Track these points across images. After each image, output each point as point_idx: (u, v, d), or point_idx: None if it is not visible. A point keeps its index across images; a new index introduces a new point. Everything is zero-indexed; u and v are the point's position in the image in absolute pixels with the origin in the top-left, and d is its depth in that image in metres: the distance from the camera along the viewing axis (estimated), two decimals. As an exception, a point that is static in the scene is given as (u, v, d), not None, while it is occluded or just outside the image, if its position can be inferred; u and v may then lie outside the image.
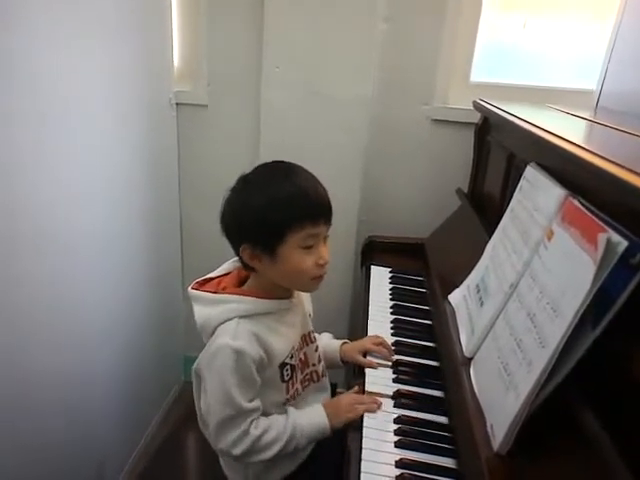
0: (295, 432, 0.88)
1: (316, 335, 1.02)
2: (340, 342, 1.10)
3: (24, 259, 1.03)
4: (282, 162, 0.91)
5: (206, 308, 0.88)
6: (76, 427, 1.27)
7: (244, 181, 0.89)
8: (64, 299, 1.18)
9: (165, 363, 1.84)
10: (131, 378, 1.55)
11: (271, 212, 0.83)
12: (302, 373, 0.96)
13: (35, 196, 1.04)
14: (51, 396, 1.16)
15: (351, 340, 1.11)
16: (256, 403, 0.86)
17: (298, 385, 0.94)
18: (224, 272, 0.97)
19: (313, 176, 0.89)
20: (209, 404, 0.85)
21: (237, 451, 0.85)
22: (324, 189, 0.88)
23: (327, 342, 1.10)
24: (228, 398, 0.83)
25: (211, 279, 0.95)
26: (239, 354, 0.82)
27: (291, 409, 0.92)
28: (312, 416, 0.91)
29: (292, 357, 0.91)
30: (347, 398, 0.93)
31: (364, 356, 1.04)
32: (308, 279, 0.87)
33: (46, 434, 1.15)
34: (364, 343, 1.07)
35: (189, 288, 0.93)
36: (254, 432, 0.85)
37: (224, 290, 0.90)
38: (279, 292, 0.91)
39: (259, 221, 0.84)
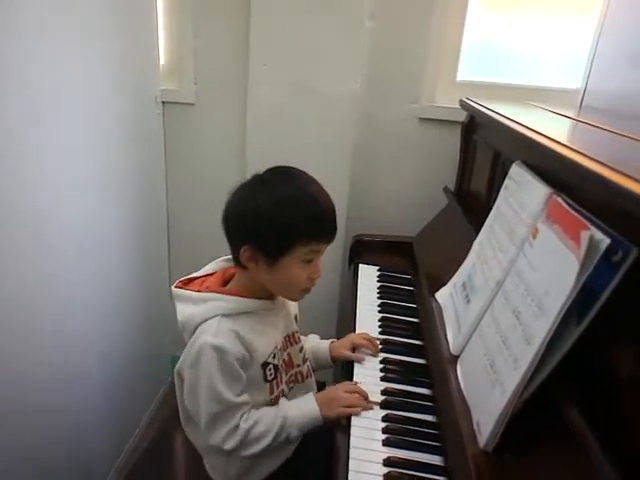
0: (285, 423, 0.88)
1: (302, 337, 1.02)
2: (329, 341, 1.10)
3: (9, 258, 1.01)
4: (300, 171, 0.90)
5: (189, 306, 0.88)
6: (64, 427, 1.26)
7: (261, 182, 0.87)
8: (50, 299, 1.17)
9: (153, 363, 1.83)
10: (119, 378, 1.54)
11: (285, 223, 0.83)
12: (287, 374, 0.96)
13: (20, 195, 1.03)
14: (39, 396, 1.15)
15: (339, 339, 1.11)
16: (244, 397, 0.86)
17: (283, 386, 0.94)
18: (208, 272, 0.96)
19: (327, 194, 0.89)
20: (198, 403, 0.85)
21: (228, 446, 0.85)
22: (334, 208, 0.88)
23: (316, 343, 1.10)
24: (215, 394, 0.83)
25: (195, 278, 0.95)
26: (220, 351, 0.82)
27: (282, 400, 0.92)
28: (302, 405, 0.91)
29: (274, 357, 0.91)
30: (341, 389, 0.92)
31: (352, 351, 1.05)
32: (298, 290, 0.90)
33: (34, 434, 1.14)
34: (352, 338, 1.08)
35: (172, 287, 0.92)
36: (244, 425, 0.85)
37: (207, 289, 0.90)
38: (263, 292, 0.91)
39: (269, 227, 0.83)
